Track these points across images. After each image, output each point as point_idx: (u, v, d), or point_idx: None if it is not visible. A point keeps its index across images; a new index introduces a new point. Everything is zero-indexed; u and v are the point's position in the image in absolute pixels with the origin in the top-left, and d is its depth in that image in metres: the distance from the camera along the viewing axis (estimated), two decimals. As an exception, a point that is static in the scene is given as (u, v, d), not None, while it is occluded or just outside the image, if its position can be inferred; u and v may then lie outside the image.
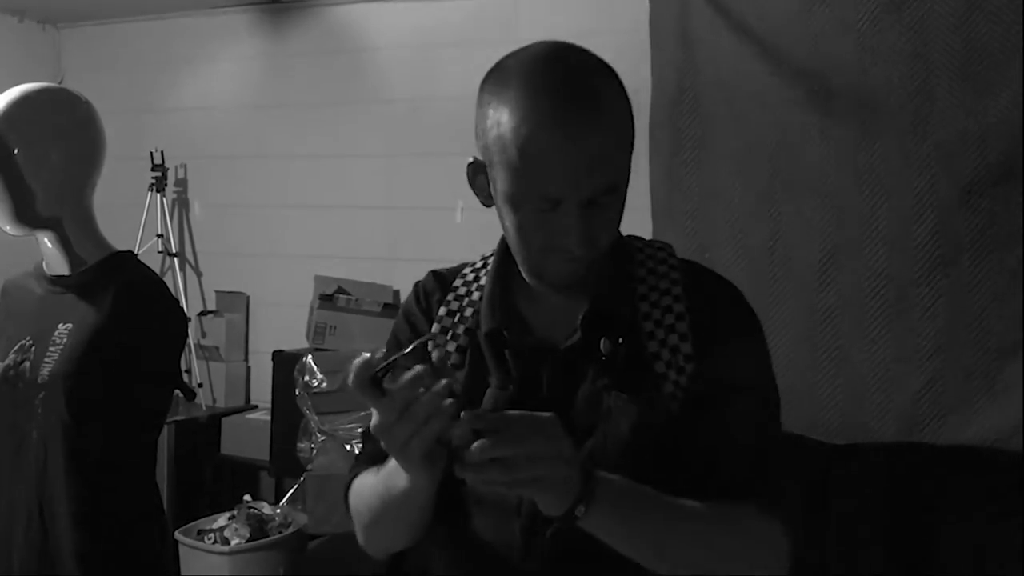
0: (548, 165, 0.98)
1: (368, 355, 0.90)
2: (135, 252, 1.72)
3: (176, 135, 4.17)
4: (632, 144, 1.05)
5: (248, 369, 4.12)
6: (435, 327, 1.17)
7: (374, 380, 0.90)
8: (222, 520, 3.25)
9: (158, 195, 4.03)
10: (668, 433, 1.06)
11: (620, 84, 1.03)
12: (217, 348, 4.03)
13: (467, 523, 1.11)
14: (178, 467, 3.63)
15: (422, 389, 0.90)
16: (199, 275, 4.26)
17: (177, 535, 3.18)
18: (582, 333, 1.09)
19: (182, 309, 1.69)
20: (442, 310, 1.18)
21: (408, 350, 0.93)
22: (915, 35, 2.48)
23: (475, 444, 0.89)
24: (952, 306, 2.45)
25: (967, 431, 2.44)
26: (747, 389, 1.10)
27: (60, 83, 1.66)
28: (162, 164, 4.06)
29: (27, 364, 1.57)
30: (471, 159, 1.10)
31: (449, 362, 1.13)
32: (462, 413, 0.90)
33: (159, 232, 4.02)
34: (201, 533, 3.22)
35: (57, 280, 1.64)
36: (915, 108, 2.49)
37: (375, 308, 3.63)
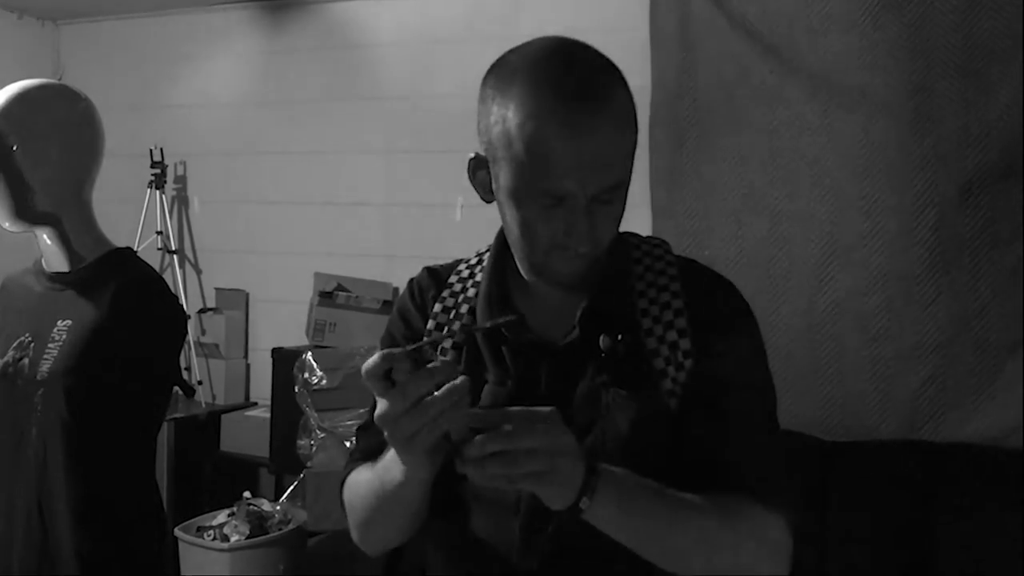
0: (556, 161, 0.98)
1: (392, 351, 0.90)
2: (134, 249, 1.72)
3: (175, 132, 4.16)
4: (636, 141, 1.05)
5: (248, 366, 4.12)
6: (430, 324, 1.17)
7: (388, 373, 0.90)
8: (222, 517, 3.25)
9: (157, 192, 4.03)
10: (667, 429, 1.06)
11: (624, 81, 1.03)
12: (217, 345, 4.03)
13: (465, 521, 1.10)
14: (178, 464, 3.63)
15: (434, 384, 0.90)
16: (198, 272, 4.25)
17: (177, 532, 3.18)
18: (580, 330, 1.09)
19: (181, 306, 1.69)
20: (437, 307, 1.18)
21: (427, 341, 0.91)
22: (915, 32, 2.48)
23: (475, 439, 0.89)
24: (952, 303, 2.45)
25: (967, 428, 2.44)
26: (746, 385, 1.10)
27: (59, 79, 1.66)
28: (161, 161, 4.05)
29: (26, 361, 1.57)
30: (472, 154, 1.09)
31: (445, 359, 1.14)
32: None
33: (158, 229, 4.01)
34: (201, 530, 3.22)
35: (56, 277, 1.63)
36: (915, 106, 2.49)
37: (375, 305, 3.63)
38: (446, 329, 1.16)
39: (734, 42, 2.75)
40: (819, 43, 2.63)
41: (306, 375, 3.26)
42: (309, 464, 3.22)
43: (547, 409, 0.93)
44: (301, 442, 3.27)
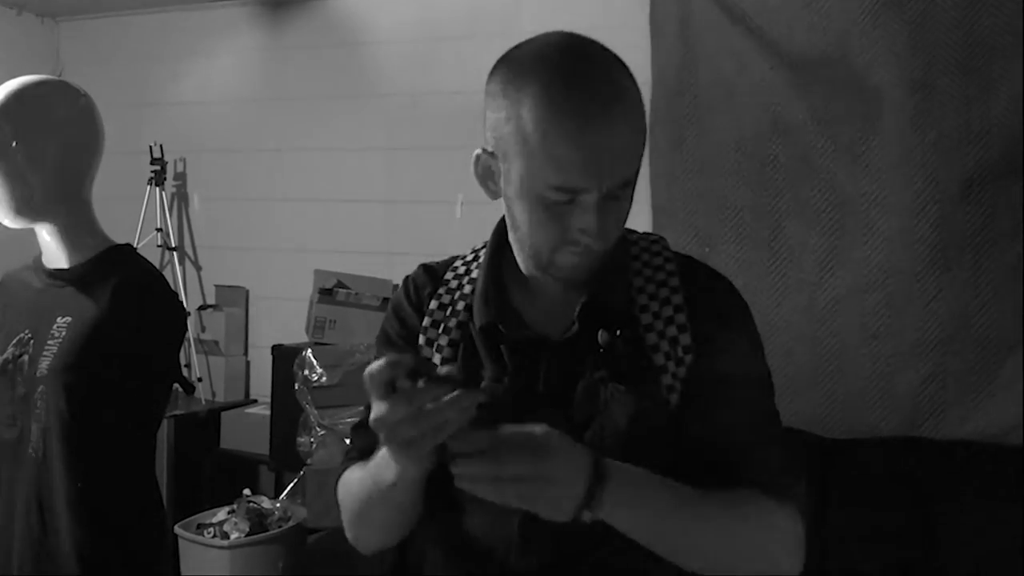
0: (573, 156, 0.98)
1: (399, 357, 0.89)
2: (134, 246, 1.72)
3: (175, 129, 4.16)
4: (645, 138, 1.05)
5: (248, 363, 4.12)
6: (426, 320, 1.17)
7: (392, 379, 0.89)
8: (221, 514, 3.25)
9: (157, 189, 4.02)
10: (666, 423, 1.06)
11: (633, 77, 1.03)
12: (216, 342, 4.03)
13: (464, 520, 1.10)
14: (177, 461, 3.62)
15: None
16: (198, 269, 4.25)
17: (176, 529, 3.18)
18: (580, 325, 1.09)
19: (181, 303, 1.69)
20: (433, 303, 1.17)
21: (449, 371, 0.91)
22: (916, 29, 2.48)
23: (462, 460, 0.90)
24: (953, 301, 2.45)
25: (967, 426, 2.44)
26: (747, 378, 1.11)
27: (59, 76, 1.66)
28: (161, 158, 4.05)
29: (26, 358, 1.57)
30: (478, 150, 1.08)
31: (441, 356, 1.13)
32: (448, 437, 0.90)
33: (158, 226, 4.01)
34: (200, 527, 3.22)
35: (56, 273, 1.63)
36: (916, 103, 2.48)
37: (374, 302, 3.63)
38: (442, 326, 1.15)
39: (734, 38, 2.75)
40: (820, 40, 2.63)
41: (306, 372, 3.26)
42: (309, 461, 3.22)
43: (541, 430, 0.93)
44: (301, 439, 3.27)
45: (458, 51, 3.59)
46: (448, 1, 3.68)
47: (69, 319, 1.56)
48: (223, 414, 3.84)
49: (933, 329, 2.47)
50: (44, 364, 1.54)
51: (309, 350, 3.31)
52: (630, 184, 1.04)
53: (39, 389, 1.53)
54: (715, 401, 1.06)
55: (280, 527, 3.21)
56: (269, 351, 3.61)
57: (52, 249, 1.63)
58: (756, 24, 2.71)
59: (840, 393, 2.59)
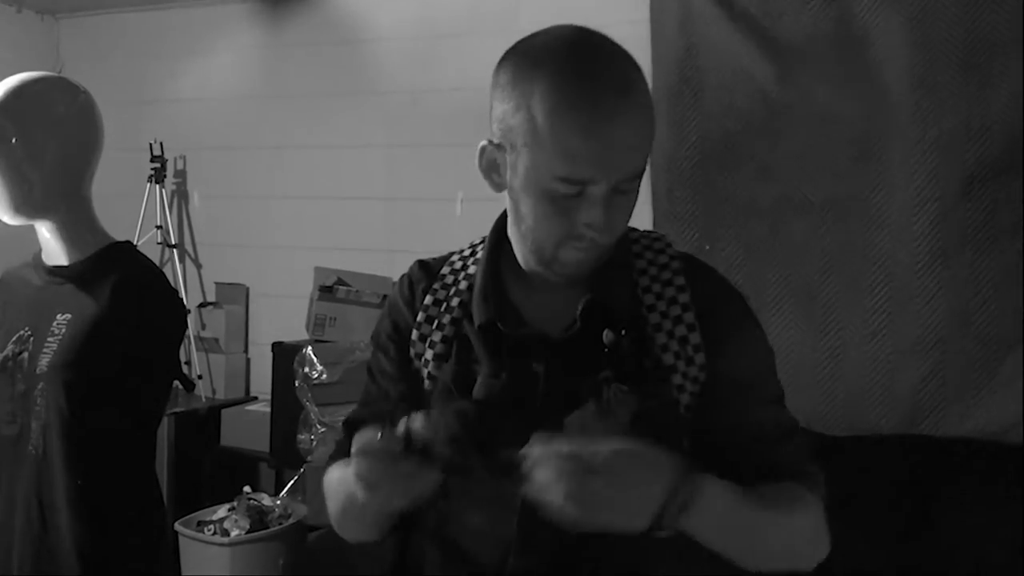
0: (584, 149, 0.97)
1: (407, 427, 0.95)
2: (134, 243, 1.72)
3: (175, 126, 4.15)
4: (653, 132, 1.04)
5: (248, 361, 4.12)
6: (420, 316, 1.16)
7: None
8: (222, 511, 3.25)
9: (157, 186, 4.02)
10: (674, 423, 1.05)
11: (641, 70, 1.03)
12: (216, 340, 4.03)
13: (464, 520, 1.10)
14: (178, 459, 3.63)
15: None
16: (198, 266, 4.25)
17: (177, 526, 3.18)
18: (582, 324, 1.08)
19: (181, 300, 1.69)
20: (428, 299, 1.17)
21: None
22: (917, 26, 2.48)
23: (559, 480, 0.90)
24: (953, 298, 2.44)
25: (967, 423, 2.44)
26: (760, 374, 1.12)
27: (59, 73, 1.66)
28: (161, 155, 4.04)
29: (25, 355, 1.57)
30: (484, 142, 1.08)
31: (434, 351, 1.13)
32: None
33: (158, 223, 4.01)
34: (201, 524, 3.23)
35: (56, 271, 1.63)
36: (917, 99, 2.48)
37: (375, 299, 3.62)
38: (436, 322, 1.15)
39: (734, 35, 2.74)
40: (820, 36, 2.62)
41: (306, 369, 3.26)
42: (309, 459, 3.22)
43: (637, 450, 0.94)
44: (301, 436, 3.27)
45: (458, 48, 3.58)
46: (447, -2, 3.67)
47: (69, 316, 1.56)
48: (223, 411, 3.84)
49: (933, 326, 2.47)
50: (44, 361, 1.53)
51: (309, 347, 3.31)
52: (638, 178, 1.03)
53: (39, 386, 1.53)
54: (732, 399, 1.07)
55: (280, 524, 3.22)
56: (269, 348, 3.61)
57: (52, 246, 1.63)
58: (756, 21, 2.71)
59: (840, 390, 2.59)
